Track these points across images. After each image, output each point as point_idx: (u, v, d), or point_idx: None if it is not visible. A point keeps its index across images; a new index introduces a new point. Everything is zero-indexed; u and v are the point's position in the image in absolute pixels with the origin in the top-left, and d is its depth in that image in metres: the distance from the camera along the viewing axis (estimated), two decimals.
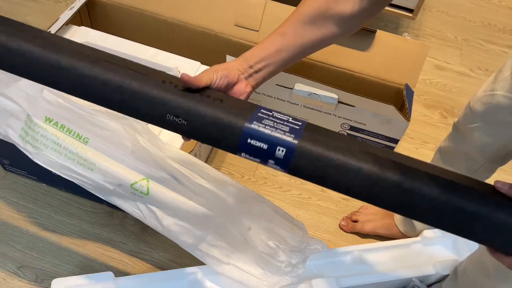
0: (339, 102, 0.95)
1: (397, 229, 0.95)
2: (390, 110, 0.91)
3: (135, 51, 0.97)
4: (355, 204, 1.03)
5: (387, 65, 0.98)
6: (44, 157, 0.75)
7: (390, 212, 0.97)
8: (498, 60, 1.44)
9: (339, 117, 0.98)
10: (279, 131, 0.45)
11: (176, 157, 0.76)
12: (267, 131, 0.45)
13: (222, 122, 0.46)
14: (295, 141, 0.44)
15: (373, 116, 0.95)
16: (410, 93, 0.95)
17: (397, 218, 0.96)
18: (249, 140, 0.45)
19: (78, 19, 1.06)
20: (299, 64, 1.02)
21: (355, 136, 1.02)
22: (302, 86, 0.95)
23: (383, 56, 0.98)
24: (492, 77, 0.67)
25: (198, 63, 0.97)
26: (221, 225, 0.78)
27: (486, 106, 0.67)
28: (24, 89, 0.76)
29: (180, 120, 0.47)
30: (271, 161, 0.46)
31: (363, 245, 0.89)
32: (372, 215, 0.97)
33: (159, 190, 0.76)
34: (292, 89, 0.97)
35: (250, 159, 0.48)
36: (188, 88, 0.49)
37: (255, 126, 0.45)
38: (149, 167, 0.76)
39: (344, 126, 1.00)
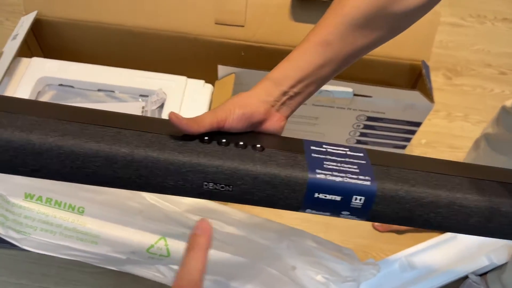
0: (354, 95, 0.83)
1: None
2: (413, 96, 0.81)
3: (105, 78, 0.81)
4: None
5: (396, 41, 0.87)
6: (34, 241, 0.62)
7: None
8: (489, 3, 1.35)
9: (354, 110, 0.87)
10: (350, 175, 0.36)
11: (194, 208, 0.64)
12: (337, 178, 0.36)
13: (279, 179, 0.36)
14: (374, 185, 0.36)
15: (394, 103, 0.85)
16: (428, 70, 0.85)
17: None
18: (316, 195, 0.36)
19: (25, 48, 0.88)
20: None
21: (373, 127, 0.91)
22: None
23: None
24: None
25: (184, 77, 0.82)
26: (260, 270, 0.68)
27: None
28: None
29: (223, 187, 0.36)
30: (345, 213, 0.37)
31: (408, 250, 0.82)
32: None
33: (181, 248, 0.64)
34: None
35: (317, 214, 0.38)
36: (207, 137, 0.37)
37: (321, 176, 0.36)
38: (164, 225, 0.64)
39: (360, 118, 0.90)
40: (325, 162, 0.37)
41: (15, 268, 0.83)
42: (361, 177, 0.36)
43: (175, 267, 0.66)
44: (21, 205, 0.60)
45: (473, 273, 0.82)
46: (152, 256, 0.65)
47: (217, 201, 0.37)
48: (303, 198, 0.36)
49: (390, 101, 0.85)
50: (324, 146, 0.40)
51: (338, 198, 0.36)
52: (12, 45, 0.82)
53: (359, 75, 0.85)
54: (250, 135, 0.40)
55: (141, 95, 0.81)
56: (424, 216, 0.36)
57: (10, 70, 0.80)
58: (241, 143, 0.38)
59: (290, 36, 0.87)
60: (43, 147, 0.34)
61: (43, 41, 0.90)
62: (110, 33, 0.89)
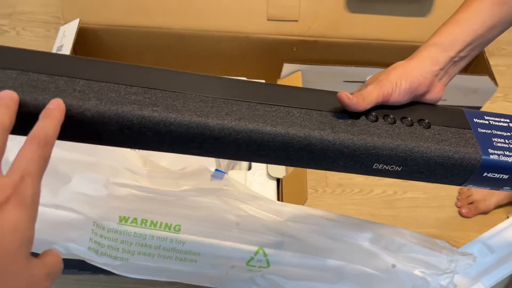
0: None
1: None
2: (481, 81, 0.80)
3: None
4: (441, 184, 0.94)
5: None
6: (132, 266, 0.58)
7: None
8: None
9: None
10: None
11: (295, 216, 0.61)
12: (509, 158, 0.36)
13: (452, 161, 0.36)
14: None
15: (458, 90, 0.84)
16: (485, 53, 0.84)
17: None
18: (485, 174, 0.37)
19: None
20: (350, 50, 0.88)
21: None
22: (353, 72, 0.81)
23: (447, 17, 0.85)
24: None
25: (243, 79, 0.78)
26: (358, 271, 0.66)
27: None
28: (80, 190, 0.55)
29: (392, 167, 0.36)
30: (506, 188, 0.38)
31: (484, 234, 0.81)
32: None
33: (280, 258, 0.62)
34: (363, 82, 0.83)
35: (478, 187, 0.39)
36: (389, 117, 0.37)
37: (494, 156, 0.36)
38: (262, 235, 0.61)
39: None
40: (493, 139, 0.37)
41: None
42: None
43: (275, 277, 0.63)
44: (117, 229, 0.56)
45: None
46: (251, 268, 0.62)
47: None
48: (471, 176, 0.37)
49: (453, 87, 0.84)
50: (485, 117, 0.40)
51: (506, 176, 0.36)
52: None
53: None
54: (413, 108, 0.39)
55: None
56: None
57: None
58: (408, 119, 0.37)
59: (346, 28, 0.84)
60: (222, 133, 0.33)
61: (87, 49, 0.84)
62: (157, 37, 0.85)
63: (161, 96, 0.33)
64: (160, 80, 0.35)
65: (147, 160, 0.60)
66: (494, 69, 1.15)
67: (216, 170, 0.61)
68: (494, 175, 0.37)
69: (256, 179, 0.69)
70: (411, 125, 0.37)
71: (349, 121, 0.36)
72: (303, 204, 0.65)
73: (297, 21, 0.84)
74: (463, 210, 0.90)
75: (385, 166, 0.36)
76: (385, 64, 0.85)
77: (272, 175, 0.69)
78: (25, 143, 0.27)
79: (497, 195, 0.90)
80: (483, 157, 0.36)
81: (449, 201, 0.93)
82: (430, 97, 0.40)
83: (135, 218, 0.57)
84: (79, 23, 0.80)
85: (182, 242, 0.58)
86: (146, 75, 0.35)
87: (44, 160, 0.27)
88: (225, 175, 0.61)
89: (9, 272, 0.24)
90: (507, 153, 0.36)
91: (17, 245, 0.24)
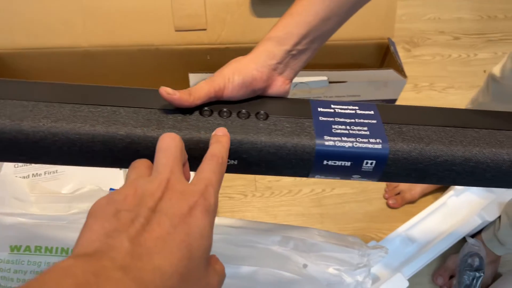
0: (329, 82, 0.83)
1: None
2: (388, 74, 0.81)
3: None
4: None
5: (359, 22, 0.87)
6: None
7: None
8: None
9: (330, 97, 0.87)
10: (360, 139, 0.34)
11: None
12: (346, 144, 0.34)
13: (286, 150, 0.34)
14: (385, 148, 0.34)
15: (368, 85, 0.85)
16: (394, 46, 0.86)
17: None
18: (325, 162, 0.34)
19: None
20: None
21: None
22: None
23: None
24: None
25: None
26: (271, 275, 0.66)
27: None
28: None
29: (228, 161, 0.34)
30: (355, 176, 0.36)
31: (405, 225, 0.82)
32: None
33: None
34: None
35: (328, 178, 0.37)
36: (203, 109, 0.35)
37: (329, 142, 0.34)
38: None
39: None
40: (333, 126, 0.35)
41: None
42: (371, 140, 0.34)
43: None
44: (9, 259, 0.55)
45: (468, 234, 0.84)
46: None
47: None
48: (312, 166, 0.35)
49: (364, 83, 0.85)
50: (332, 106, 0.38)
51: (348, 163, 0.34)
52: None
53: (331, 61, 0.85)
54: (253, 102, 0.38)
55: None
56: (439, 175, 0.35)
57: None
58: (244, 111, 0.36)
59: (254, 33, 0.85)
60: (37, 135, 0.32)
61: None
62: (64, 57, 0.83)
63: None
64: None
65: (36, 186, 0.59)
66: (419, 59, 1.17)
67: (111, 189, 0.60)
68: (335, 163, 0.35)
69: None
70: (247, 117, 0.35)
71: (180, 118, 0.34)
72: None
73: (205, 29, 0.84)
74: (390, 202, 0.92)
75: None
76: None
77: None
78: (206, 160, 0.29)
79: (421, 184, 0.92)
80: (317, 143, 0.34)
81: (377, 194, 0.94)
82: (273, 91, 0.39)
83: (28, 246, 0.56)
84: None
85: None
86: None
87: (221, 175, 0.29)
88: None
89: (192, 277, 0.23)
90: (344, 138, 0.34)
91: (202, 251, 0.24)
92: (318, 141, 0.34)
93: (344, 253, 0.68)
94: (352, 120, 0.36)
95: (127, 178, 0.28)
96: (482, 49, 1.20)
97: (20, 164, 0.70)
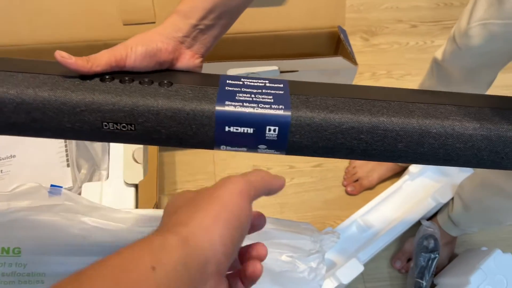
0: (280, 72, 0.83)
1: (396, 165, 0.93)
2: (337, 62, 0.82)
3: None
4: (327, 167, 0.96)
5: (309, 12, 0.87)
6: None
7: None
8: None
9: None
10: (262, 105, 0.34)
11: (141, 220, 0.60)
12: (247, 109, 0.33)
13: (184, 114, 0.33)
14: (287, 113, 0.34)
15: (320, 74, 0.85)
16: (345, 34, 0.87)
17: None
18: (227, 128, 0.34)
19: None
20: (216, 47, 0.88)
21: None
22: (236, 70, 0.81)
23: (302, 3, 0.86)
24: (470, 6, 0.60)
25: None
26: None
27: (477, 38, 0.59)
28: None
29: (124, 127, 0.34)
30: (262, 147, 0.35)
31: (360, 211, 0.83)
32: (369, 164, 0.92)
33: None
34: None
35: (235, 150, 0.36)
36: (101, 76, 0.34)
37: (229, 107, 0.33)
38: (114, 244, 0.60)
39: None
40: (238, 94, 0.35)
41: None
42: (274, 106, 0.34)
43: None
44: None
45: (424, 217, 0.85)
46: None
47: (120, 143, 0.35)
48: (214, 133, 0.34)
49: (315, 72, 0.85)
50: (242, 79, 0.37)
51: (250, 130, 0.34)
52: None
53: (283, 52, 0.85)
54: (161, 73, 0.37)
55: None
56: (347, 144, 0.34)
57: None
58: (147, 79, 0.35)
59: None
60: None
61: None
62: (7, 55, 0.81)
63: None
64: None
65: None
66: (377, 48, 1.18)
67: (52, 185, 0.59)
68: (238, 129, 0.34)
69: (113, 188, 0.68)
70: (150, 84, 0.34)
71: (77, 82, 0.33)
72: (153, 207, 0.64)
73: (154, 22, 0.83)
74: (349, 189, 0.93)
75: (115, 125, 0.33)
76: (249, 56, 0.86)
77: (128, 182, 0.67)
78: None
79: (379, 170, 0.93)
80: (217, 107, 0.33)
81: (336, 181, 0.95)
82: (182, 64, 0.38)
83: None
84: None
85: (23, 265, 0.56)
86: None
87: None
88: (63, 189, 0.60)
89: None
90: (246, 104, 0.33)
91: None
92: (218, 106, 0.33)
93: (296, 240, 0.68)
94: (259, 91, 0.36)
95: None
96: (438, 36, 1.21)
97: None
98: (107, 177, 0.70)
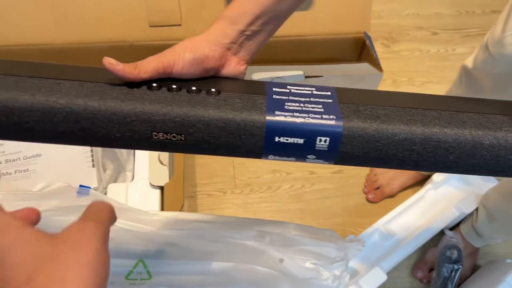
0: (305, 77, 0.82)
1: (418, 173, 0.92)
2: (363, 68, 0.81)
3: None
4: (348, 173, 0.96)
5: (334, 17, 0.87)
6: None
7: None
8: None
9: None
10: (312, 115, 0.33)
11: (168, 224, 0.60)
12: (297, 119, 0.33)
13: (234, 124, 0.33)
14: (339, 124, 0.33)
15: (345, 79, 0.85)
16: (370, 40, 0.86)
17: None
18: (277, 139, 0.33)
19: None
20: None
21: None
22: (261, 75, 0.81)
23: (328, 8, 0.86)
24: (506, 14, 0.59)
25: None
26: (248, 270, 0.65)
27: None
28: None
29: (174, 137, 0.33)
30: (311, 157, 0.35)
31: (383, 219, 0.82)
32: (390, 171, 0.92)
33: (162, 267, 0.61)
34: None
35: (283, 160, 0.36)
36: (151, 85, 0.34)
37: (280, 117, 0.33)
38: (139, 247, 0.60)
39: None
40: (286, 103, 0.34)
41: None
42: (325, 116, 0.33)
43: (159, 287, 0.62)
44: None
45: (447, 227, 0.84)
46: (133, 282, 0.60)
47: (167, 152, 0.35)
48: (263, 143, 0.34)
49: (340, 78, 0.85)
50: (288, 87, 0.37)
51: (301, 141, 0.33)
52: None
53: (307, 56, 0.85)
54: (207, 80, 0.37)
55: None
56: (399, 155, 0.34)
57: None
58: (194, 88, 0.35)
59: None
60: None
61: None
62: (36, 55, 0.82)
63: None
64: None
65: (4, 184, 0.57)
66: (398, 55, 1.18)
67: (81, 186, 0.59)
68: (287, 140, 0.33)
69: (139, 190, 0.68)
70: (198, 93, 0.34)
71: (125, 91, 0.33)
72: (179, 210, 0.64)
73: (180, 25, 0.83)
74: (370, 196, 0.92)
75: (165, 135, 0.33)
76: (274, 60, 0.86)
77: (153, 184, 0.67)
78: None
79: (400, 178, 0.92)
80: (268, 118, 0.33)
81: (356, 188, 0.94)
82: (228, 71, 0.38)
83: None
84: None
85: None
86: None
87: None
88: (91, 190, 0.60)
89: None
90: (296, 114, 0.33)
91: None
92: (268, 116, 0.33)
93: (321, 247, 0.68)
94: (307, 99, 0.35)
95: None
96: (460, 44, 1.21)
97: (1, 159, 0.69)
98: (132, 178, 0.70)
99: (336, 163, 0.35)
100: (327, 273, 0.69)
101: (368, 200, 0.92)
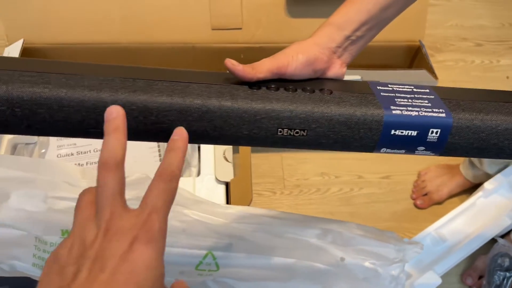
0: None
1: (467, 181, 0.93)
2: (420, 75, 0.83)
3: None
4: (396, 179, 0.97)
5: (391, 25, 0.88)
6: None
7: (453, 167, 0.95)
8: None
9: None
10: (424, 109, 0.36)
11: (239, 217, 0.62)
12: (412, 113, 0.36)
13: (355, 119, 0.36)
14: (449, 116, 0.36)
15: None
16: (424, 48, 0.88)
17: (464, 170, 0.93)
18: (392, 132, 0.36)
19: None
20: None
21: None
22: None
23: None
24: None
25: None
26: (308, 267, 0.67)
27: None
28: (20, 207, 0.56)
29: (297, 132, 0.36)
30: (420, 148, 0.37)
31: (435, 224, 0.83)
32: (439, 178, 0.93)
33: (229, 260, 0.63)
34: None
35: (392, 153, 0.38)
36: (272, 85, 0.36)
37: (397, 111, 0.36)
38: (210, 239, 0.62)
39: None
40: (396, 99, 0.37)
41: None
42: (435, 109, 0.36)
43: (227, 280, 0.64)
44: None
45: (498, 235, 0.85)
46: (201, 273, 0.62)
47: (287, 148, 0.37)
48: (379, 136, 0.36)
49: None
50: (389, 85, 0.40)
51: (414, 133, 0.36)
52: None
53: (364, 62, 0.87)
54: (315, 81, 0.39)
55: None
56: (499, 145, 0.37)
57: None
58: (308, 87, 0.37)
59: (289, 33, 0.87)
60: (116, 104, 0.32)
61: None
62: (102, 53, 0.86)
63: (55, 77, 0.33)
64: (56, 66, 0.35)
65: (87, 172, 0.60)
66: (442, 65, 1.19)
67: None
68: (403, 132, 0.36)
69: (205, 184, 0.70)
70: (312, 92, 0.37)
71: (249, 91, 0.36)
72: (248, 205, 0.66)
73: (241, 29, 0.86)
74: (418, 202, 0.93)
75: (289, 131, 0.36)
76: None
77: (220, 179, 0.70)
78: (153, 179, 0.30)
79: (449, 185, 0.93)
80: (386, 112, 0.35)
81: (404, 194, 0.95)
82: (332, 73, 0.40)
83: None
84: (23, 43, 0.80)
85: None
86: (44, 63, 0.36)
87: (171, 194, 0.29)
88: None
89: None
90: (410, 108, 0.36)
91: (151, 282, 0.25)
92: (386, 111, 0.36)
93: (381, 248, 0.69)
94: (412, 96, 0.38)
95: (74, 219, 0.29)
96: (504, 56, 1.21)
97: (73, 152, 0.72)
98: (198, 173, 0.72)
99: (441, 154, 0.38)
100: (385, 273, 0.70)
101: (416, 206, 0.93)
